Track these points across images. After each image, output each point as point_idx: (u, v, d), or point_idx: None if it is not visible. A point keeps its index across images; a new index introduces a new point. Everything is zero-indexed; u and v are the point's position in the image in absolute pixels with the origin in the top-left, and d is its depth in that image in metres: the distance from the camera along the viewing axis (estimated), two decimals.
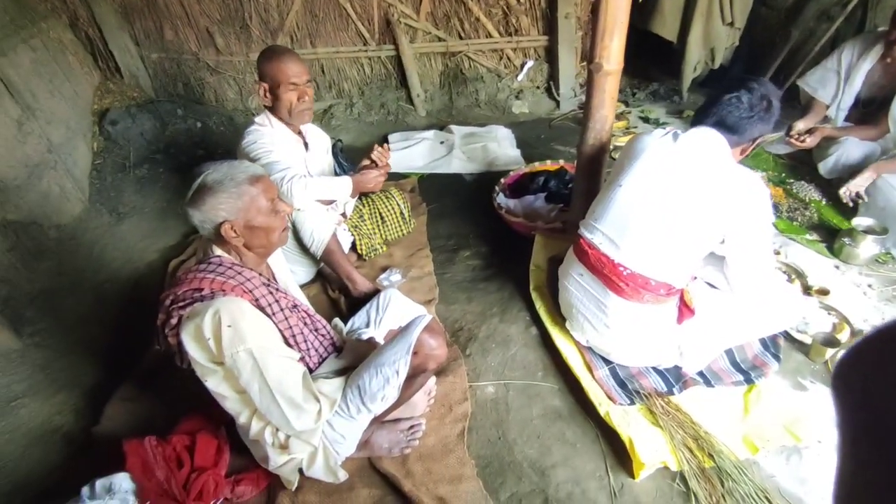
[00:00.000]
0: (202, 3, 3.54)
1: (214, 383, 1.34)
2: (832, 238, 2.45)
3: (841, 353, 1.86)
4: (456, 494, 1.54)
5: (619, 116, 3.72)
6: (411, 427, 1.67)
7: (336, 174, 2.42)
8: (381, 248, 2.49)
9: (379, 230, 2.50)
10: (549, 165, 2.93)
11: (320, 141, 2.35)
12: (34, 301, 2.46)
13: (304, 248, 2.12)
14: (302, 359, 1.44)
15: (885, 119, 2.62)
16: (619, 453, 1.65)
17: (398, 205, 2.55)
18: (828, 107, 2.89)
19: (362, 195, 2.47)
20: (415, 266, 2.45)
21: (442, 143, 3.44)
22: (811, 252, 2.43)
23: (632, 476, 1.60)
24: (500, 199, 2.71)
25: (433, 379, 1.77)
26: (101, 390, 2.03)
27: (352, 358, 1.57)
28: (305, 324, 1.47)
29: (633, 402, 1.77)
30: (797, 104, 3.15)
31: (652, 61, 4.30)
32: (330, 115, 3.86)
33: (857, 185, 2.46)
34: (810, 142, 2.78)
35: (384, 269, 2.39)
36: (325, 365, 1.54)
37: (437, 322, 1.57)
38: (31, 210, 2.69)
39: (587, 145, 2.03)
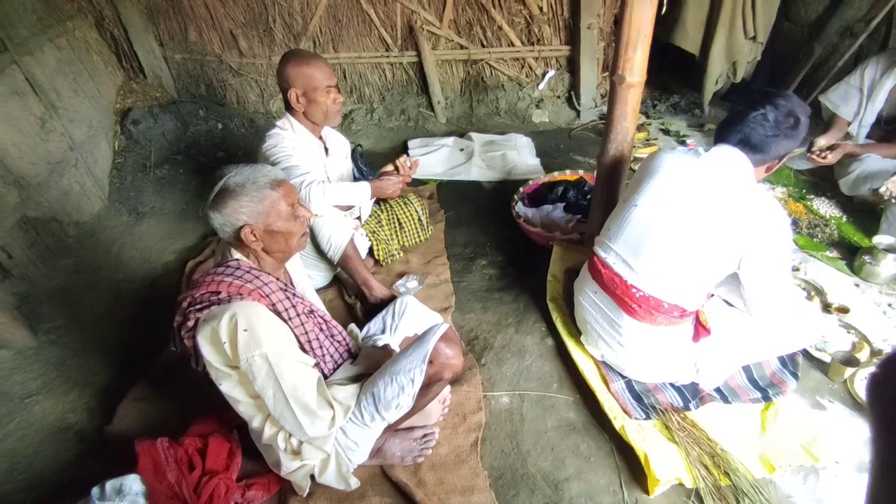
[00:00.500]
0: (227, 6, 3.58)
1: (229, 387, 1.34)
2: (852, 256, 2.41)
3: (864, 371, 1.84)
4: None
5: (639, 128, 3.69)
6: (424, 436, 1.66)
7: (355, 179, 2.42)
8: (399, 254, 2.49)
9: (396, 236, 2.50)
10: (569, 175, 2.92)
11: (340, 146, 2.36)
12: (51, 298, 2.49)
13: (321, 252, 2.13)
14: (317, 364, 1.44)
15: None
16: (633, 468, 1.63)
17: (416, 211, 2.55)
18: (849, 123, 2.85)
19: (381, 200, 2.48)
20: (431, 273, 2.44)
21: (461, 150, 3.44)
22: (831, 269, 2.40)
23: (646, 492, 1.58)
24: (519, 208, 2.71)
25: (448, 388, 1.76)
26: (114, 389, 2.05)
27: (367, 364, 1.56)
28: (321, 329, 1.48)
29: (648, 417, 1.75)
30: (819, 120, 3.11)
31: (673, 73, 4.28)
32: (350, 119, 3.88)
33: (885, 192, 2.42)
34: (831, 158, 2.74)
35: (401, 276, 2.40)
36: (340, 371, 1.54)
37: (454, 331, 1.55)
38: (52, 207, 2.73)
39: (607, 156, 2.02)
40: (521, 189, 2.80)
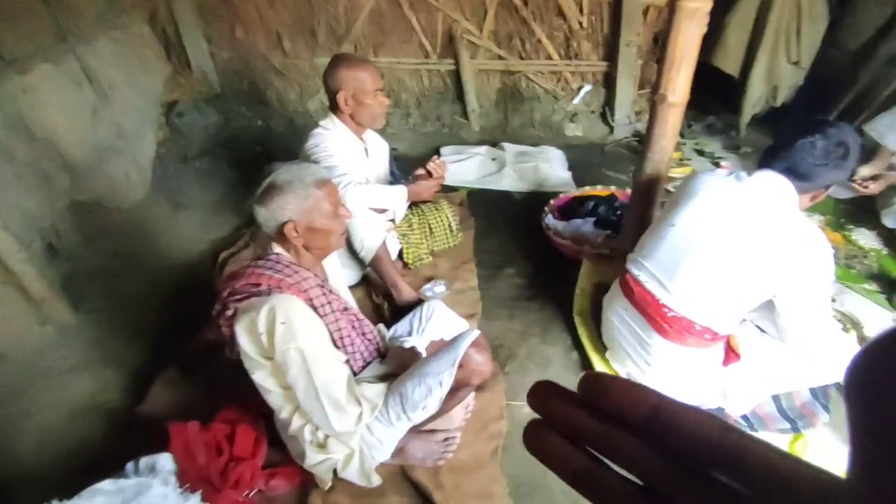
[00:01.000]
0: (275, 8, 3.67)
1: (261, 377, 1.38)
2: (892, 289, 2.35)
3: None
4: None
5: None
6: (446, 439, 1.67)
7: (390, 182, 2.47)
8: (427, 258, 2.52)
9: (427, 240, 2.53)
10: (600, 191, 2.91)
11: (380, 148, 2.41)
12: (92, 279, 2.57)
13: (352, 251, 2.17)
14: (347, 361, 1.47)
15: None
16: None
17: (447, 217, 2.58)
18: (894, 154, 2.80)
19: (413, 204, 2.51)
20: (459, 279, 2.46)
21: (493, 159, 3.46)
22: (869, 302, 2.34)
23: None
24: (549, 220, 2.71)
25: (472, 394, 1.78)
26: (146, 371, 2.11)
27: (395, 364, 1.59)
28: (353, 327, 1.51)
29: None
30: (862, 148, 3.05)
31: (710, 94, 4.23)
32: (387, 123, 3.92)
33: None
34: (874, 188, 2.69)
35: (428, 280, 2.42)
36: (369, 369, 1.57)
37: (483, 338, 1.57)
38: (98, 192, 2.83)
39: (644, 175, 2.02)
40: (551, 201, 2.81)
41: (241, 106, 3.78)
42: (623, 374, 1.90)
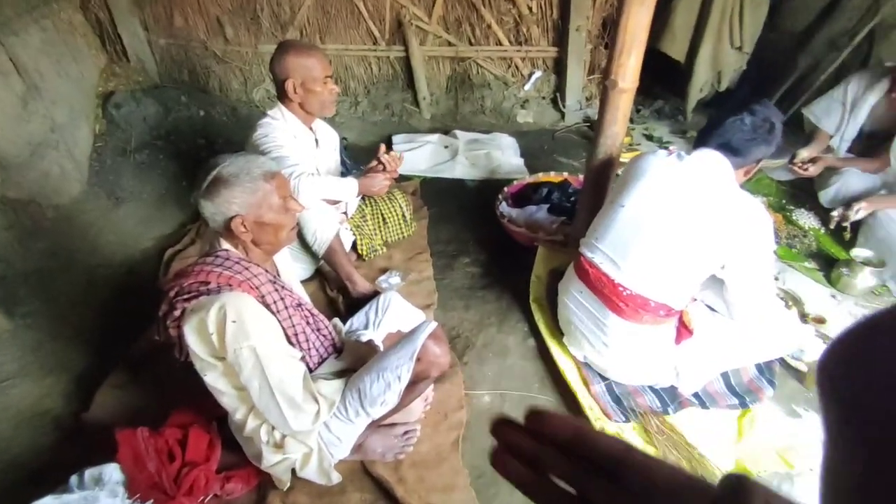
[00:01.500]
0: None
1: (213, 378, 1.32)
2: (830, 267, 2.47)
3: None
4: (448, 503, 1.54)
5: None
6: (406, 433, 1.66)
7: (341, 173, 2.41)
8: (382, 249, 2.48)
9: (380, 231, 2.49)
10: (553, 177, 2.94)
11: (330, 138, 2.34)
12: (27, 281, 2.41)
13: (305, 245, 2.11)
14: (303, 358, 1.43)
15: (887, 153, 2.65)
16: None
17: (401, 207, 2.55)
18: (831, 137, 2.93)
19: (366, 195, 2.46)
20: (414, 270, 2.44)
21: (446, 147, 3.44)
22: (809, 280, 2.46)
23: None
24: (503, 207, 2.71)
25: (431, 385, 1.76)
26: (91, 375, 2.01)
27: (352, 360, 1.56)
28: (308, 323, 1.46)
29: (627, 420, 1.77)
30: (801, 132, 3.18)
31: (658, 79, 4.32)
32: (335, 112, 3.84)
33: (850, 213, 2.50)
34: (813, 171, 2.81)
35: (383, 271, 2.39)
36: (325, 366, 1.53)
37: (441, 330, 1.56)
38: (31, 189, 2.65)
39: (596, 160, 2.04)
40: (505, 189, 2.81)
41: (182, 95, 3.61)
42: (580, 358, 1.93)
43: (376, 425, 1.59)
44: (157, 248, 2.70)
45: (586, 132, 3.69)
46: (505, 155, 3.40)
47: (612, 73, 1.85)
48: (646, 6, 1.69)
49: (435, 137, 3.51)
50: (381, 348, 1.67)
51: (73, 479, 1.41)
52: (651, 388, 1.86)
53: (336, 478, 1.50)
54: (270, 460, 1.43)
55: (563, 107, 3.89)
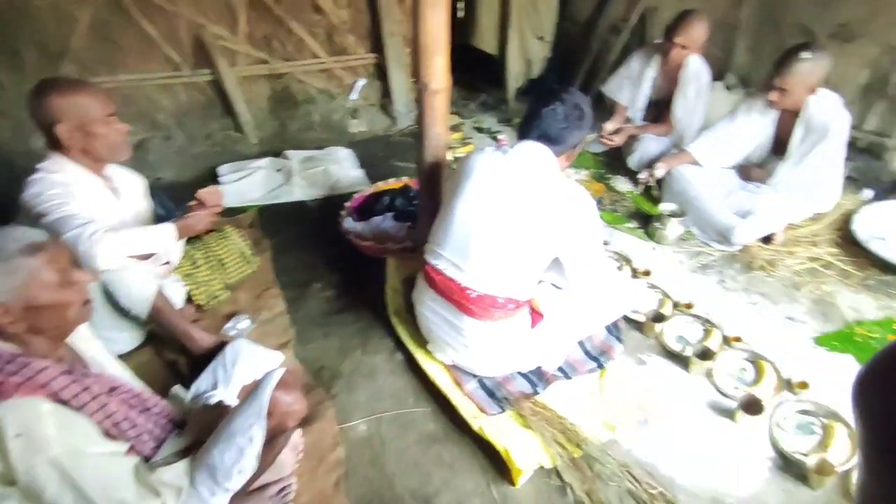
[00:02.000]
0: None
1: None
2: (647, 223, 2.76)
3: (670, 323, 2.11)
4: None
5: (454, 128, 3.85)
6: (281, 490, 1.51)
7: (158, 220, 2.12)
8: (223, 293, 2.25)
9: (219, 274, 2.26)
10: (393, 184, 2.92)
11: (132, 183, 2.05)
12: None
13: (122, 311, 1.83)
14: (132, 448, 1.22)
15: (670, 117, 3.03)
16: (497, 464, 1.67)
17: (238, 243, 2.34)
18: (627, 109, 3.28)
19: (194, 239, 2.22)
20: (264, 308, 2.26)
21: (279, 170, 3.24)
22: (633, 238, 2.72)
23: (512, 484, 1.62)
24: (347, 223, 2.63)
25: (298, 431, 1.63)
26: None
27: (198, 431, 1.37)
28: (131, 406, 1.25)
29: (503, 410, 1.80)
30: (605, 107, 3.52)
31: (478, 74, 4.53)
32: (144, 150, 3.41)
33: (649, 173, 2.84)
34: (618, 140, 3.13)
35: (229, 317, 2.17)
36: (166, 447, 1.33)
37: (291, 373, 1.43)
38: None
39: (425, 163, 2.04)
40: (346, 204, 2.73)
41: None
42: (447, 362, 1.92)
43: (245, 493, 1.42)
44: None
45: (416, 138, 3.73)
46: (343, 168, 3.31)
47: (421, 76, 1.85)
48: (439, 8, 1.71)
49: (265, 162, 3.30)
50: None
51: None
52: (519, 373, 1.91)
53: None
54: None
55: (394, 112, 3.89)
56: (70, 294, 1.14)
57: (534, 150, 1.68)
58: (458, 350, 1.83)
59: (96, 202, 1.80)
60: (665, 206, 2.71)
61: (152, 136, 3.45)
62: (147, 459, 1.27)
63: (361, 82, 3.78)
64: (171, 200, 2.32)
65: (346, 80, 3.78)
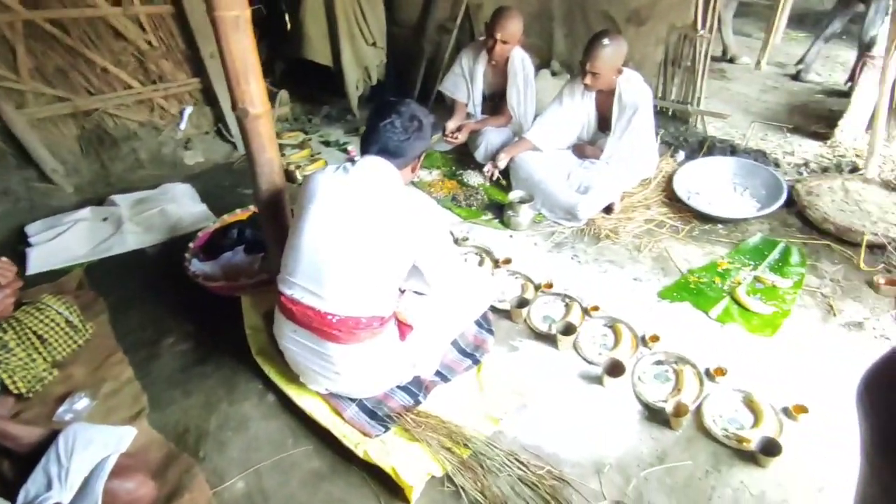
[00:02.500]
0: None
1: None
2: (501, 213, 2.87)
3: (535, 306, 2.21)
4: None
5: (301, 145, 3.71)
6: None
7: None
8: (50, 374, 1.95)
9: (40, 353, 1.95)
10: (240, 214, 2.73)
11: None
12: None
13: None
14: None
15: (507, 108, 3.18)
16: (389, 486, 1.63)
17: (59, 313, 2.04)
18: (466, 105, 3.38)
19: None
20: (107, 379, 2.01)
21: (105, 219, 2.88)
22: (490, 229, 2.82)
23: (407, 501, 1.59)
24: (194, 265, 2.41)
25: None
26: None
27: None
28: None
29: (387, 429, 1.76)
30: (446, 106, 3.60)
31: (318, 86, 4.41)
32: None
33: (492, 165, 2.96)
34: (462, 137, 3.21)
35: (62, 399, 1.88)
36: None
37: (129, 455, 1.27)
38: None
39: (262, 192, 1.93)
40: (190, 244, 2.50)
41: None
42: (322, 392, 1.84)
43: None
44: None
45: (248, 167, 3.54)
46: (183, 206, 3.03)
47: (238, 101, 1.74)
48: (241, 29, 1.61)
49: (86, 212, 2.92)
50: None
51: None
52: (398, 387, 1.89)
53: None
54: None
55: (231, 136, 3.66)
56: None
57: (375, 166, 1.65)
58: (331, 378, 1.76)
59: None
60: (514, 194, 2.84)
61: None
62: None
63: (188, 110, 3.50)
64: None
65: (172, 110, 3.48)
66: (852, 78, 3.90)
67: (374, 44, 4.14)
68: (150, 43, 3.19)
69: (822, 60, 4.77)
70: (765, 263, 2.49)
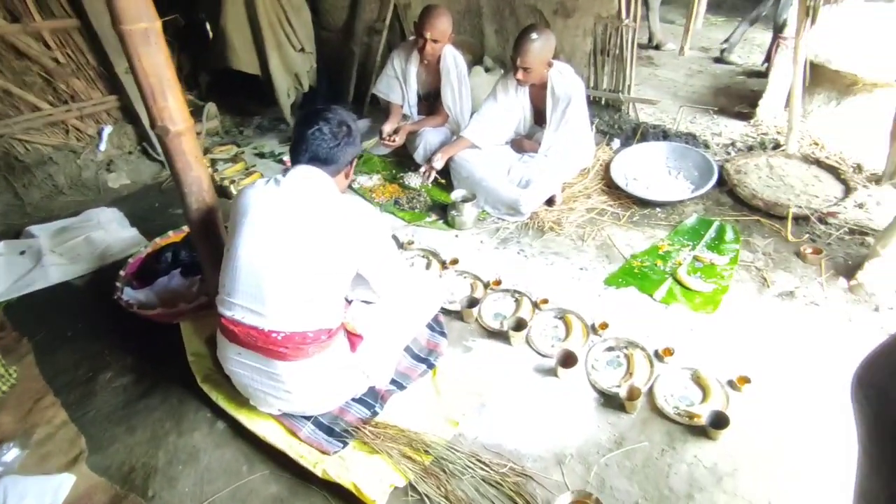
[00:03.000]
0: None
1: None
2: (444, 213, 2.86)
3: (486, 304, 2.21)
4: None
5: (234, 159, 3.57)
6: None
7: None
8: None
9: None
10: (174, 236, 2.60)
11: None
12: None
13: None
14: None
15: (443, 108, 3.17)
16: (352, 503, 1.59)
17: None
18: (402, 106, 3.35)
19: None
20: (38, 424, 1.87)
21: (22, 253, 2.67)
22: (435, 231, 2.80)
23: None
24: (127, 293, 2.28)
25: None
26: None
27: None
28: None
29: (346, 444, 1.72)
30: (383, 108, 3.55)
31: (247, 96, 4.27)
32: None
33: (428, 167, 2.96)
34: (399, 140, 3.18)
35: None
36: None
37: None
38: None
39: (192, 212, 1.83)
40: (121, 272, 2.36)
41: None
42: (275, 413, 1.78)
43: None
44: None
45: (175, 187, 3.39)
46: (110, 232, 2.86)
47: (156, 119, 1.64)
48: (153, 44, 1.53)
49: (0, 247, 2.71)
50: None
51: None
52: (353, 400, 1.84)
53: None
54: None
55: (158, 154, 3.48)
56: None
57: (308, 175, 1.61)
58: (282, 397, 1.69)
59: None
60: (456, 194, 2.83)
61: None
62: None
63: (107, 129, 3.30)
64: None
65: (89, 131, 3.27)
66: (769, 59, 4.12)
67: (302, 49, 4.03)
68: (56, 60, 2.99)
69: (741, 43, 5.00)
70: (702, 243, 2.59)
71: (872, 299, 2.19)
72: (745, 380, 1.86)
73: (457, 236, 2.76)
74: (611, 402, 1.87)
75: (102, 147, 3.29)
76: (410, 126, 3.24)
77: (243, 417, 1.80)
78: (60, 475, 1.59)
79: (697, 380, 1.91)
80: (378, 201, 3.03)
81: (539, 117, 3.05)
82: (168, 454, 1.78)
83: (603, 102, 3.81)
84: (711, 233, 2.65)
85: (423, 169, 2.97)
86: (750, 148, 3.34)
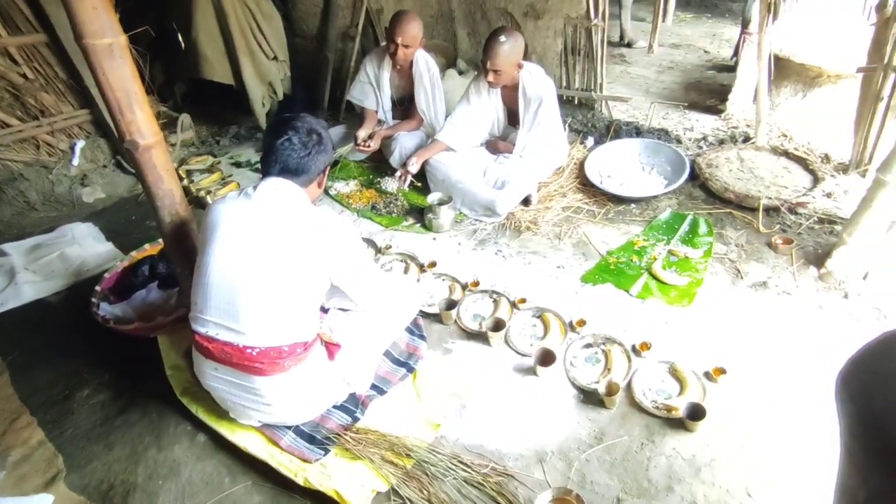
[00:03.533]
0: None
1: None
2: (421, 217, 2.87)
3: (465, 306, 2.22)
4: None
5: (211, 169, 3.55)
6: None
7: None
8: None
9: None
10: (150, 249, 2.59)
11: None
12: None
13: None
14: None
15: (417, 112, 3.18)
16: None
17: None
18: (377, 112, 3.36)
19: None
20: (14, 445, 1.84)
21: None
22: (413, 234, 2.81)
23: None
24: (104, 308, 2.26)
25: None
26: None
27: None
28: None
29: (327, 451, 1.72)
30: (358, 114, 3.55)
31: (223, 106, 4.24)
32: None
33: (403, 171, 2.98)
34: (374, 145, 3.19)
35: None
36: None
37: None
38: None
39: (166, 225, 1.83)
40: (97, 287, 2.34)
41: None
42: (256, 424, 1.77)
43: None
44: None
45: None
46: (86, 247, 2.83)
47: (125, 134, 1.64)
48: (118, 57, 1.52)
49: None
50: None
51: None
52: (334, 407, 1.85)
53: None
54: None
55: (132, 167, 3.44)
56: None
57: (278, 187, 1.60)
58: (262, 410, 1.69)
59: None
60: (433, 197, 2.84)
61: None
62: None
63: (80, 144, 3.26)
64: None
65: (61, 146, 3.23)
66: (737, 53, 4.20)
67: (275, 58, 4.01)
68: (24, 76, 2.95)
69: (709, 38, 5.09)
70: (676, 237, 2.63)
71: (842, 286, 2.25)
72: (721, 371, 1.90)
73: (434, 239, 2.77)
74: (590, 398, 1.89)
75: (76, 161, 3.26)
76: (385, 131, 3.25)
77: (224, 429, 1.80)
78: (38, 496, 1.58)
79: (674, 373, 1.94)
80: (355, 207, 3.03)
81: (513, 118, 3.07)
82: (148, 469, 1.76)
83: (576, 101, 3.86)
84: (685, 227, 2.70)
85: (398, 173, 2.99)
86: (721, 142, 3.40)
